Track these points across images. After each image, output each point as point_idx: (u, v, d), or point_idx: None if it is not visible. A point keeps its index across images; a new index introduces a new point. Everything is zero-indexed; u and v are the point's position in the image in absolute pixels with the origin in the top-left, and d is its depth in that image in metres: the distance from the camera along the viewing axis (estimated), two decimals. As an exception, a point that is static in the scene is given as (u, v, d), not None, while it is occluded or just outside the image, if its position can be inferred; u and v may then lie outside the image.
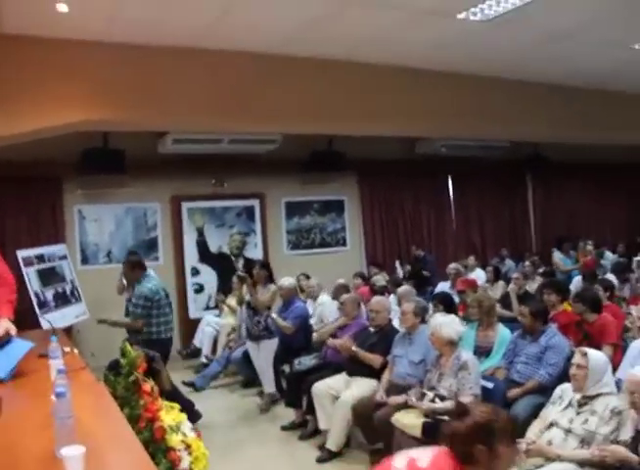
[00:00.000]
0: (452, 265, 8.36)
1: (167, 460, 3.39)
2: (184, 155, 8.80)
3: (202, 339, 8.56)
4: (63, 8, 5.24)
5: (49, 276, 7.79)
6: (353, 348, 5.29)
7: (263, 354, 6.57)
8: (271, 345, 6.55)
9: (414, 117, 8.11)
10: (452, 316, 4.81)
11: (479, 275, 8.70)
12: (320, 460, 5.03)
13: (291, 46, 6.86)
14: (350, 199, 10.57)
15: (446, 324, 4.54)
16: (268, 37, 6.53)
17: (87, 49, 6.22)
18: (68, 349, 4.00)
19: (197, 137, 8.44)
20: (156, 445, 3.42)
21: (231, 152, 8.92)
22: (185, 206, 9.45)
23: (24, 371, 3.40)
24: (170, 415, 3.64)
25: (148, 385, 3.87)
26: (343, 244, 10.52)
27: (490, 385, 4.49)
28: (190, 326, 9.07)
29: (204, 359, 8.24)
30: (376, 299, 5.70)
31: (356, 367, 5.29)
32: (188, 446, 3.49)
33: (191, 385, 7.25)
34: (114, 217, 9.11)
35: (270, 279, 6.72)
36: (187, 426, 3.62)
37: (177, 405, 3.80)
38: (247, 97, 7.05)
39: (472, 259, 9.41)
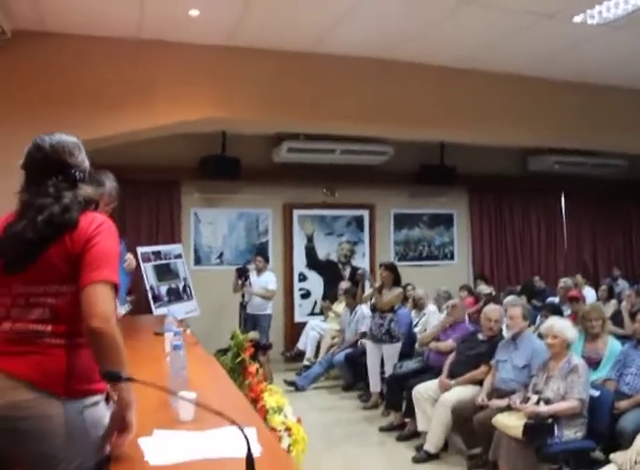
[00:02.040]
0: (563, 279, 8.18)
1: (268, 440, 3.53)
2: (297, 164, 9.09)
3: (305, 342, 8.71)
4: (194, 12, 5.59)
5: (164, 272, 8.20)
6: (452, 382, 5.25)
7: (385, 358, 6.53)
8: (394, 348, 6.48)
9: (524, 125, 8.02)
10: (568, 321, 4.75)
11: (587, 294, 8.44)
12: (416, 461, 5.03)
13: (402, 50, 6.95)
14: (460, 213, 10.50)
15: (567, 326, 4.50)
16: (383, 41, 6.65)
17: (211, 52, 6.61)
18: (182, 329, 4.25)
19: (310, 147, 8.73)
20: (259, 424, 3.57)
21: (343, 162, 9.15)
22: (296, 213, 9.70)
23: (140, 347, 3.59)
24: (273, 398, 3.78)
25: (253, 367, 4.05)
26: (451, 257, 10.45)
27: (597, 393, 4.36)
28: (295, 330, 9.27)
29: (306, 362, 8.39)
30: (493, 307, 5.59)
31: (458, 372, 5.27)
32: (288, 429, 3.59)
33: (292, 384, 7.41)
34: (227, 221, 9.47)
35: (397, 282, 6.71)
36: (289, 410, 3.73)
37: (280, 390, 3.95)
38: (357, 101, 7.21)
39: (579, 277, 9.16)
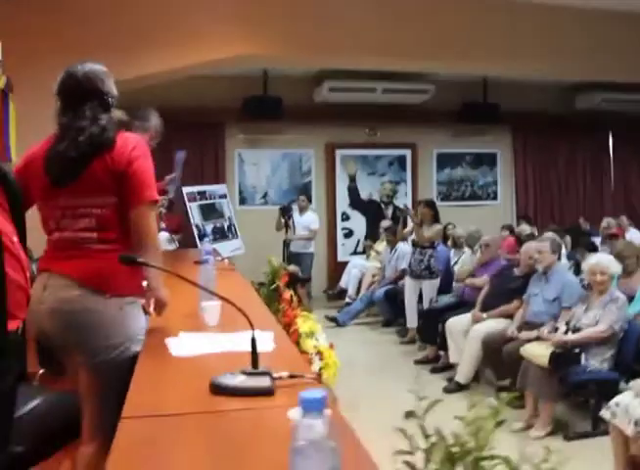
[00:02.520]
0: (606, 219, 8.11)
1: (299, 361, 3.72)
2: (339, 104, 9.11)
3: (347, 280, 8.88)
4: None
5: (209, 212, 8.43)
6: (484, 315, 5.36)
7: (424, 294, 6.64)
8: (432, 284, 6.62)
9: (569, 57, 7.79)
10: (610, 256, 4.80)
11: (632, 236, 8.33)
12: (447, 391, 5.17)
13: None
14: (503, 152, 10.36)
15: (612, 261, 4.55)
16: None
17: None
18: (220, 258, 4.47)
19: (352, 86, 8.73)
20: (291, 347, 3.76)
21: (385, 102, 9.13)
22: (339, 153, 9.77)
23: (180, 273, 3.81)
24: (307, 324, 3.95)
25: (288, 293, 4.23)
26: (494, 198, 10.38)
27: (626, 325, 4.41)
28: (337, 268, 9.45)
29: (348, 299, 8.57)
30: (532, 244, 5.51)
31: (491, 305, 5.38)
32: (320, 353, 3.77)
33: (333, 320, 7.63)
34: (270, 162, 9.62)
35: (436, 219, 6.80)
36: (322, 336, 3.91)
37: (314, 316, 4.13)
38: (401, 34, 7.12)
39: (625, 219, 9.02)
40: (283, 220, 8.15)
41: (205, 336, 2.14)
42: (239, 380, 1.51)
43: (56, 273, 2.20)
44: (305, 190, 9.50)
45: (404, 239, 7.52)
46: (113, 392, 1.91)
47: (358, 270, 8.82)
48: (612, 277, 4.50)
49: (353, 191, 9.87)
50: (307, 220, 8.46)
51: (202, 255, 3.85)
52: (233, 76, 8.67)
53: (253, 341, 1.67)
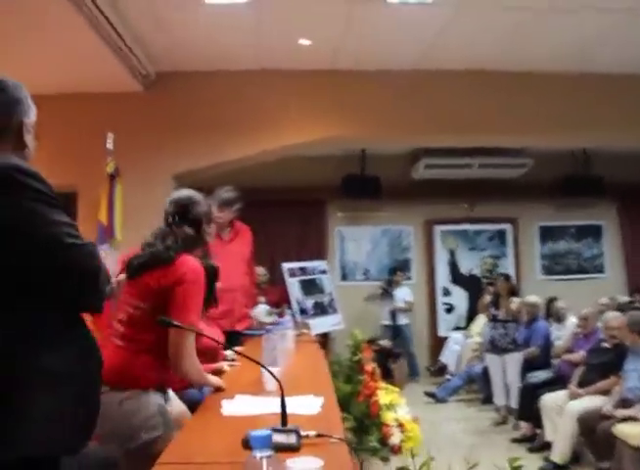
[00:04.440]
0: None
1: (379, 432, 3.78)
2: (436, 180, 9.26)
3: (448, 356, 8.80)
4: (304, 42, 6.11)
5: (310, 287, 8.64)
6: (581, 391, 5.19)
7: (509, 368, 6.55)
8: (517, 358, 6.50)
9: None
10: None
11: None
12: (542, 471, 5.02)
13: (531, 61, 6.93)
14: (609, 224, 10.03)
15: None
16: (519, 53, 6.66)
17: (323, 76, 6.93)
18: (306, 330, 4.65)
19: (448, 162, 8.88)
20: (370, 418, 3.83)
21: (482, 176, 9.18)
22: (437, 229, 9.85)
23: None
24: (389, 396, 4.02)
25: (370, 366, 4.32)
26: (601, 270, 10.04)
27: None
28: (438, 343, 9.38)
29: (448, 376, 8.47)
30: (613, 314, 5.50)
31: (587, 381, 5.21)
32: (401, 425, 3.82)
33: (432, 395, 7.55)
34: (370, 238, 9.82)
35: (513, 292, 6.83)
36: (404, 409, 3.95)
37: (398, 389, 4.19)
38: (496, 110, 7.20)
39: None
40: (381, 293, 8.75)
41: (259, 399, 2.28)
42: (266, 436, 1.64)
43: None
44: (405, 265, 9.60)
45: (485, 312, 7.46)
46: None
47: (458, 345, 8.72)
48: None
49: (453, 266, 9.86)
50: (403, 293, 8.91)
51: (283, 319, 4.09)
52: (332, 156, 9.07)
53: (283, 402, 1.82)
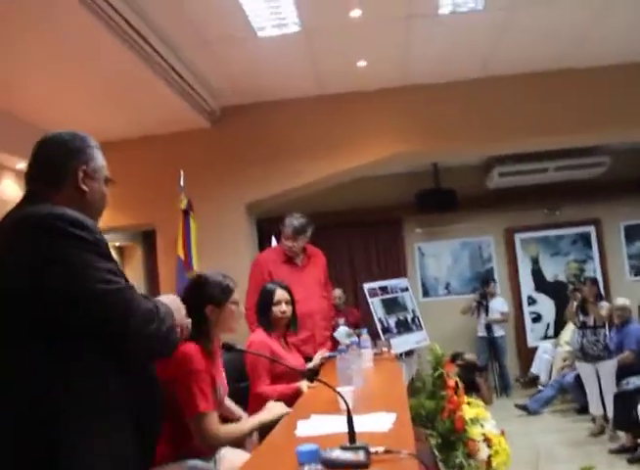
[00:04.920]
0: None
1: (466, 448, 3.74)
2: (512, 187, 9.12)
3: (539, 366, 8.59)
4: (362, 63, 6.14)
5: (392, 305, 8.63)
6: None
7: (603, 376, 6.32)
8: (610, 365, 6.29)
9: None
10: None
11: None
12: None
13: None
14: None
15: None
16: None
17: (387, 95, 6.89)
18: (386, 349, 4.68)
19: (522, 169, 8.73)
20: (456, 433, 3.79)
21: (559, 180, 8.98)
22: (518, 237, 9.67)
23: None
24: (474, 410, 3.97)
25: (452, 381, 4.28)
26: (696, 268, 9.61)
27: None
28: (527, 354, 9.16)
29: (540, 387, 8.25)
30: None
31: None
32: (488, 440, 3.77)
33: (523, 408, 7.37)
34: (450, 252, 9.74)
35: (600, 296, 6.63)
36: (491, 423, 3.90)
37: (483, 403, 4.13)
38: (566, 111, 6.97)
39: None
40: (475, 305, 8.86)
41: (333, 418, 2.31)
42: (335, 454, 1.67)
43: None
44: (488, 277, 9.45)
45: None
46: None
47: (549, 355, 8.50)
48: None
49: (537, 274, 9.64)
50: (498, 304, 8.88)
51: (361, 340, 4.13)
52: (403, 173, 9.10)
53: (350, 419, 1.84)
